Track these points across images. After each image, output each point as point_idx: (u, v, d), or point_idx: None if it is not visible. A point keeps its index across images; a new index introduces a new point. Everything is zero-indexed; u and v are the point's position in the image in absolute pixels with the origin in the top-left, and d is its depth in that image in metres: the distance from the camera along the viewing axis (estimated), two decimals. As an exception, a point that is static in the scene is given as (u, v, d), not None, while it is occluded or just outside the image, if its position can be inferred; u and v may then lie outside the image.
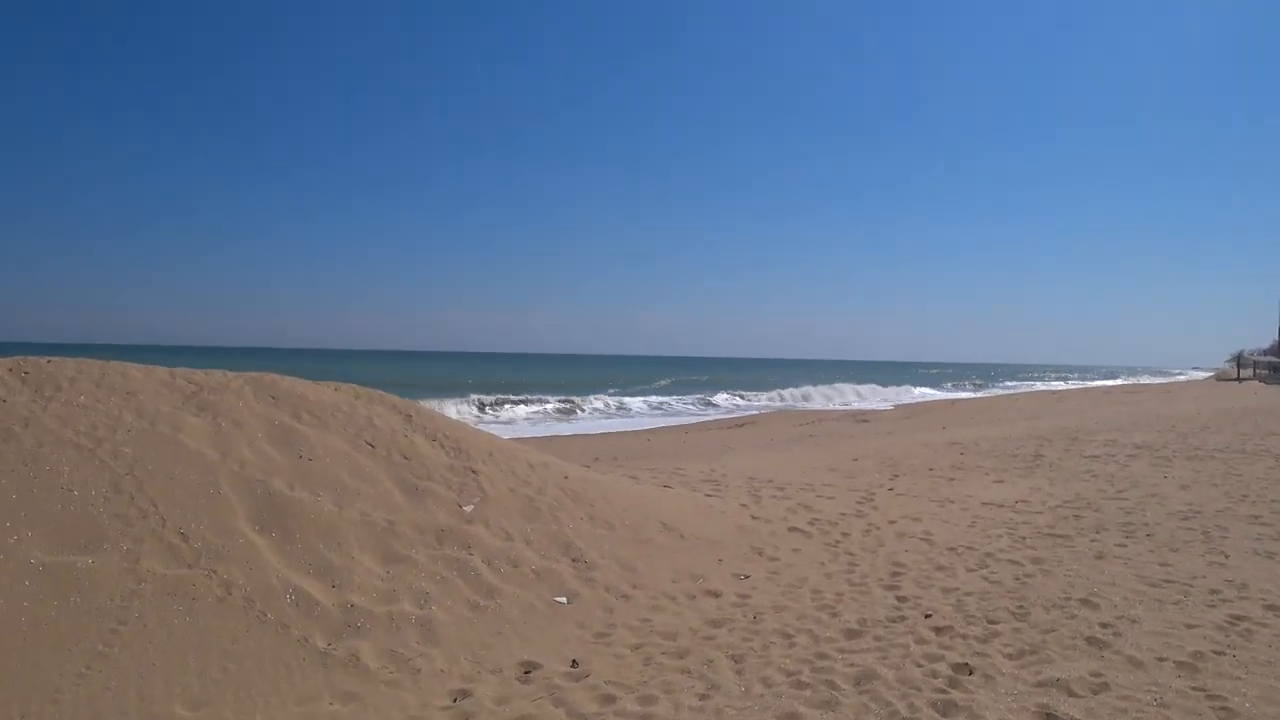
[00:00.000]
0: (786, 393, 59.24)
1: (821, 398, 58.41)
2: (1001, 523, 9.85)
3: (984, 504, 11.01)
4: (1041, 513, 10.42)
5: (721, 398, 54.43)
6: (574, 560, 7.22)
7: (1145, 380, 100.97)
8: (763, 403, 54.54)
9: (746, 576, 7.52)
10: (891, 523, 9.80)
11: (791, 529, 9.26)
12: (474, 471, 8.20)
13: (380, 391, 9.67)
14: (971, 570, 7.76)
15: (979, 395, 65.36)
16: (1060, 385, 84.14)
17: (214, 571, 5.97)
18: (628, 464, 15.85)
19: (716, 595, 7.01)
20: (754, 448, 19.68)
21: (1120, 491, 11.93)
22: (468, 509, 7.52)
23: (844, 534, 9.18)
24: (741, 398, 55.39)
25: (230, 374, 8.99)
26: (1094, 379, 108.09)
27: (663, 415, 42.68)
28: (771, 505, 10.46)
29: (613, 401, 48.35)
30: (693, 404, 50.98)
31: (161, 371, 8.63)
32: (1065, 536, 9.09)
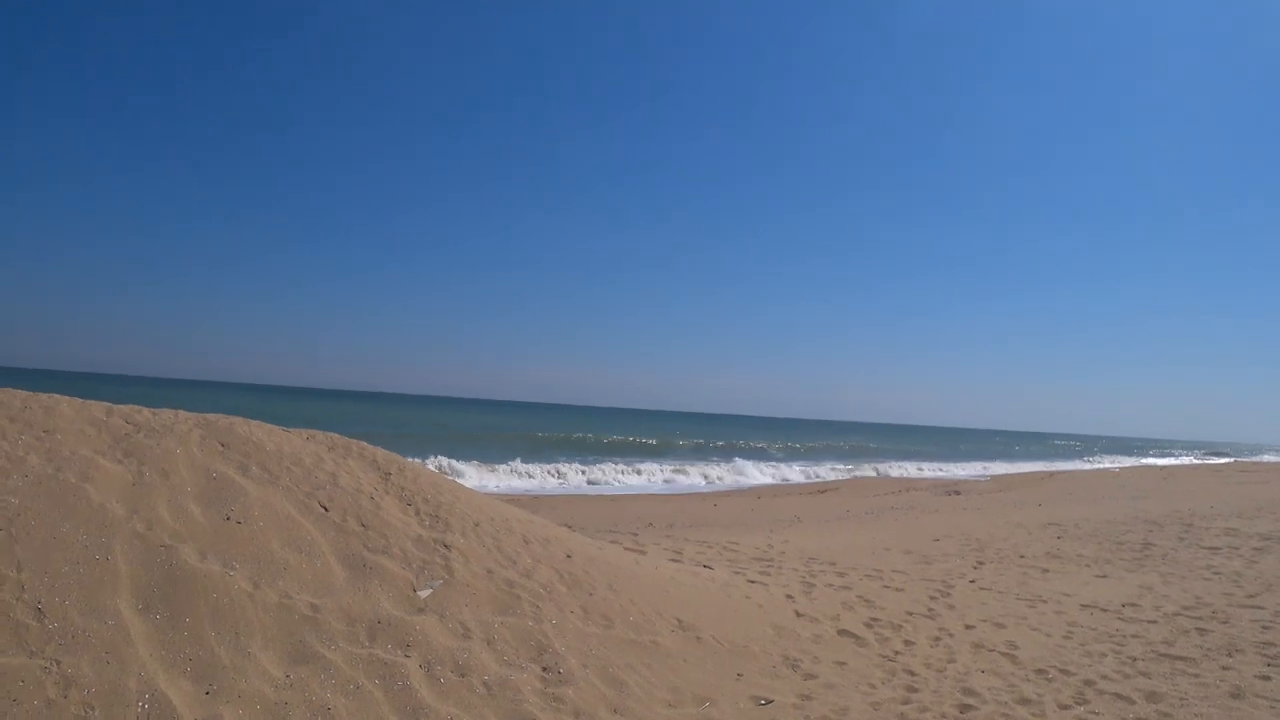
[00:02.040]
0: (878, 463, 56.83)
1: (914, 466, 55.87)
2: (1106, 634, 7.98)
3: (1083, 606, 9.13)
4: (1155, 622, 8.52)
5: (808, 462, 52.38)
6: (545, 669, 5.62)
7: (1265, 459, 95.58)
8: (852, 467, 52.33)
9: (767, 702, 5.81)
10: (969, 628, 8.01)
11: (842, 632, 7.54)
12: (446, 546, 6.69)
13: (363, 443, 8.29)
14: (1065, 708, 5.94)
15: (1079, 468, 62.00)
16: (1167, 461, 79.50)
17: (58, 663, 4.55)
18: (680, 533, 14.23)
19: (721, 730, 5.35)
20: (825, 520, 17.87)
21: (1251, 597, 9.91)
22: (423, 594, 6.01)
23: (907, 642, 7.42)
24: (833, 464, 53.15)
25: (184, 414, 7.70)
26: (1201, 455, 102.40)
27: (741, 476, 40.73)
28: (825, 598, 8.75)
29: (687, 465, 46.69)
30: (779, 466, 48.98)
31: (98, 408, 7.37)
32: (1188, 660, 7.20)
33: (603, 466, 37.56)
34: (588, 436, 59.39)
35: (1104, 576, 10.97)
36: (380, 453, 8.18)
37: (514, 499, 23.36)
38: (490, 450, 39.81)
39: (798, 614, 7.92)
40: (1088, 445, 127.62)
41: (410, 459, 9.08)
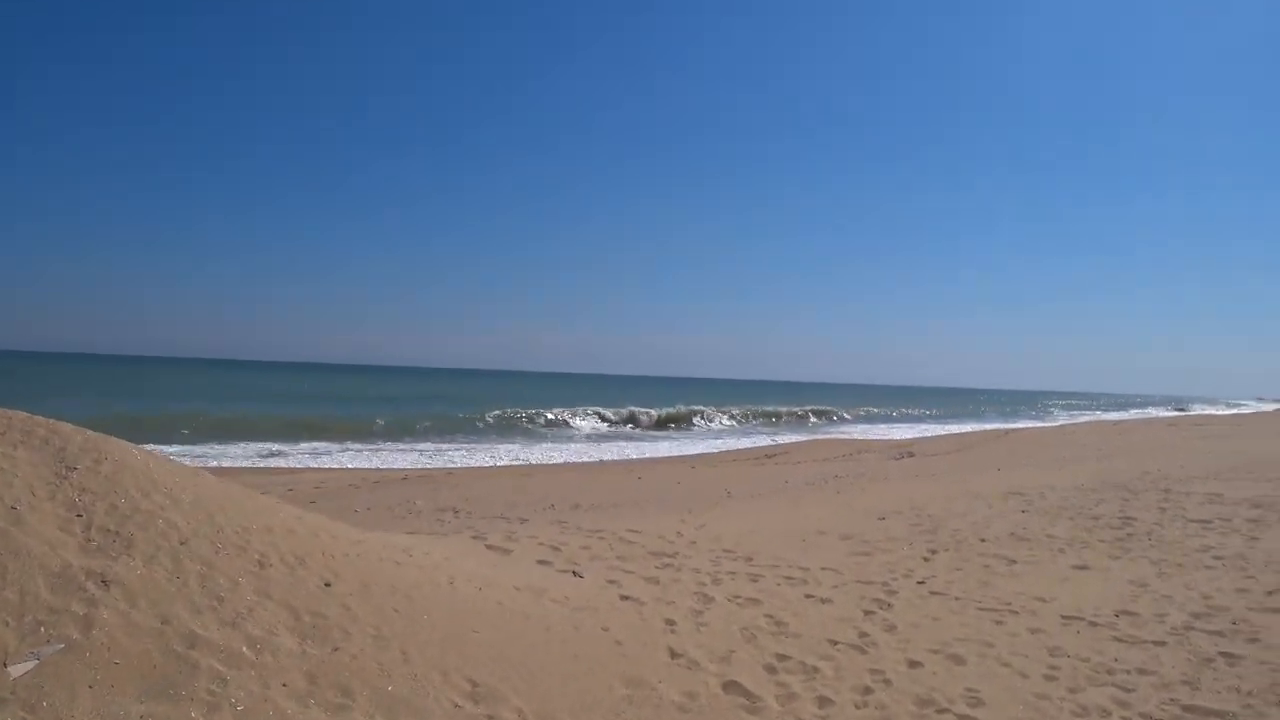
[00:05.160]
0: (832, 425, 55.55)
1: (869, 425, 54.62)
2: (1102, 669, 5.76)
3: (1065, 619, 6.92)
4: (1164, 644, 6.31)
5: (759, 424, 51.14)
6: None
7: (1207, 411, 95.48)
8: (808, 427, 51.23)
9: None
10: (914, 666, 5.73)
11: (729, 686, 5.20)
12: (105, 582, 4.30)
13: (59, 424, 5.88)
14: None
15: (1034, 426, 60.58)
16: (1118, 415, 78.42)
17: None
18: (580, 516, 11.95)
19: None
20: (758, 494, 15.62)
21: (1271, 594, 7.78)
22: (18, 670, 3.64)
23: (822, 701, 5.09)
24: (786, 427, 51.85)
25: None
26: (1142, 408, 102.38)
27: (681, 443, 38.74)
28: (721, 620, 6.46)
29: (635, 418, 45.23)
30: (729, 430, 47.45)
31: None
32: (1226, 716, 5.01)
33: (536, 439, 35.81)
34: (519, 412, 57.04)
35: (1084, 568, 8.80)
36: (82, 437, 5.77)
37: (427, 475, 21.02)
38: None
39: (673, 654, 5.60)
40: (1034, 401, 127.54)
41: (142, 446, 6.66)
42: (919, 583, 8.02)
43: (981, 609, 7.16)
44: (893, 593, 7.60)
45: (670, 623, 6.22)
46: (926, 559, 9.11)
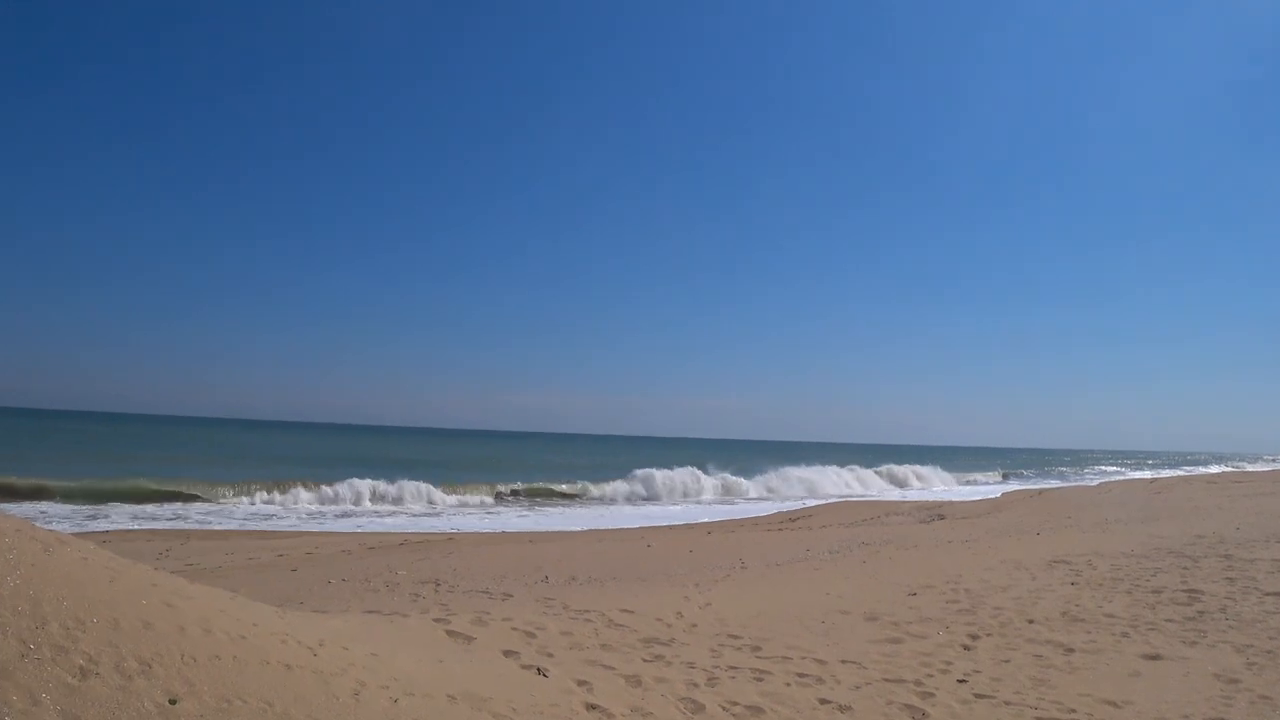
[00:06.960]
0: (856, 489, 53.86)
1: (886, 481, 53.08)
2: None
3: (1148, 735, 5.55)
4: (1282, 769, 4.94)
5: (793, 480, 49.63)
6: None
7: (1245, 467, 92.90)
8: (831, 488, 49.59)
9: None
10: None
11: None
12: None
13: None
14: None
15: (1067, 485, 58.65)
16: (1146, 474, 76.01)
17: None
18: (572, 591, 10.65)
19: None
20: (776, 564, 14.20)
21: (1391, 690, 6.39)
22: None
23: None
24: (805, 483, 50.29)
25: None
26: (1168, 467, 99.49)
27: (699, 505, 37.32)
28: (712, 735, 5.13)
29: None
30: (749, 494, 45.82)
31: None
32: None
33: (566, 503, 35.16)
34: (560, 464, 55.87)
35: (1156, 657, 7.39)
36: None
37: (426, 540, 19.75)
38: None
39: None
40: (1063, 459, 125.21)
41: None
42: (960, 681, 6.62)
43: (1040, 718, 5.77)
44: (928, 695, 6.21)
45: (647, 746, 4.89)
46: (967, 647, 7.71)
